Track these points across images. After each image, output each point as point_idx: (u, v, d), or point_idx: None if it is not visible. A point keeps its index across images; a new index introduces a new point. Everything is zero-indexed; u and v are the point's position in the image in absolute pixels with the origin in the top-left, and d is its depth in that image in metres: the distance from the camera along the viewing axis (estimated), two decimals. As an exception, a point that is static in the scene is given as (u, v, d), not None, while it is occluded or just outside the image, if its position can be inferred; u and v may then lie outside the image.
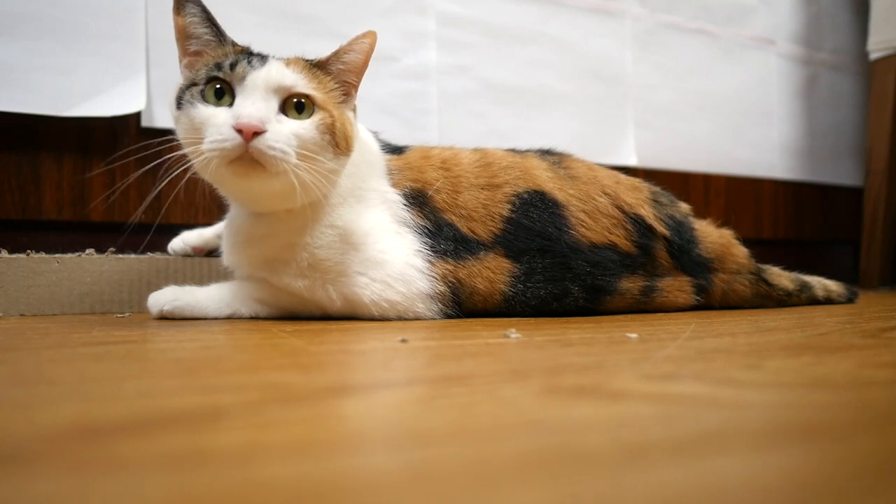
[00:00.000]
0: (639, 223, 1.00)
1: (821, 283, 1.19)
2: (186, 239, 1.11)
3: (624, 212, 0.99)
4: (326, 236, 0.88)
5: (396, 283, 0.88)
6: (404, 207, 0.92)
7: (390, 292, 0.88)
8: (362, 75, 0.90)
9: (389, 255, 0.89)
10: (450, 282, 0.90)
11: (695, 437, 0.33)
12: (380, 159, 0.95)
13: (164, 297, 0.88)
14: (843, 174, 2.06)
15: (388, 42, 1.38)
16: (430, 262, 0.90)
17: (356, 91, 0.91)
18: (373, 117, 1.35)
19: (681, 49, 1.74)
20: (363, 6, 1.36)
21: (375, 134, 1.00)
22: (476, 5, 1.48)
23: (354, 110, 0.91)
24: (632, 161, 1.64)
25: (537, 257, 0.94)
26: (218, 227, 1.10)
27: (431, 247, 0.91)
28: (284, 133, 0.79)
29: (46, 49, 1.09)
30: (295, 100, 0.82)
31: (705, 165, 1.78)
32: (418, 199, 0.93)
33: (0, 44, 1.06)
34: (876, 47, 1.86)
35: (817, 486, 0.27)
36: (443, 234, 0.92)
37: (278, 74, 0.81)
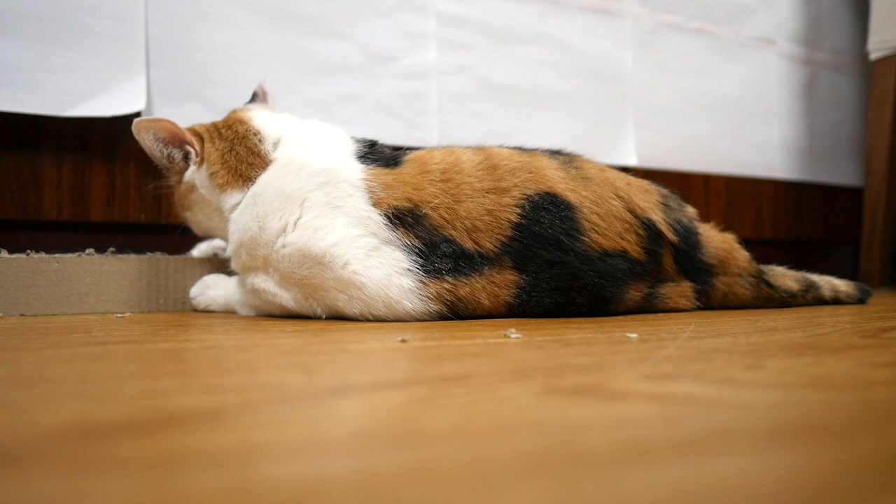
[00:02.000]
0: (650, 228, 0.96)
1: (829, 283, 1.15)
2: (215, 244, 1.15)
3: (636, 216, 0.96)
4: (282, 253, 0.89)
5: (376, 303, 0.86)
6: (386, 228, 0.87)
7: (373, 310, 0.87)
8: (171, 140, 0.98)
9: (363, 278, 0.85)
10: (447, 301, 0.87)
11: (695, 437, 0.33)
12: (347, 176, 0.90)
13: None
14: (843, 174, 2.06)
15: (389, 42, 1.38)
16: (422, 282, 0.86)
17: (191, 146, 0.98)
18: (373, 117, 1.36)
19: (681, 49, 1.74)
20: (363, 6, 1.36)
21: (366, 143, 0.97)
22: (476, 5, 1.48)
23: (201, 160, 0.98)
24: (632, 161, 1.64)
25: (545, 267, 0.89)
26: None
27: (422, 266, 0.86)
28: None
29: (46, 49, 1.09)
30: None
31: (705, 165, 1.78)
32: (406, 219, 0.87)
33: (0, 44, 1.06)
34: (876, 47, 1.86)
35: (818, 487, 0.27)
36: (438, 253, 0.87)
37: None
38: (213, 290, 1.04)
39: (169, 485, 0.26)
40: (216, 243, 1.15)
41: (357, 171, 0.90)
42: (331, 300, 0.88)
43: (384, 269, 0.86)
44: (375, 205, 0.88)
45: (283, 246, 0.88)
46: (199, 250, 1.16)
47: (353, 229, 0.87)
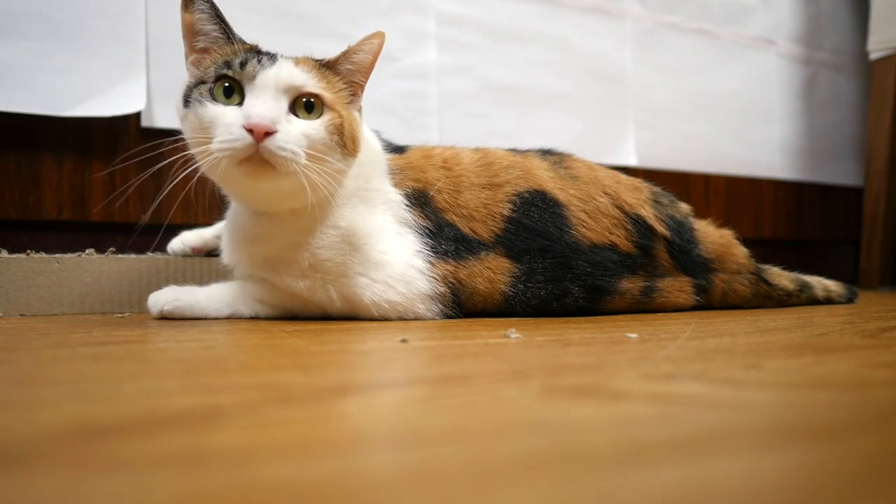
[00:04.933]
0: (639, 223, 1.00)
1: (821, 283, 1.19)
2: (186, 239, 1.11)
3: (624, 212, 0.99)
4: (329, 237, 0.88)
5: (397, 284, 0.88)
6: (406, 208, 0.92)
7: (391, 293, 0.88)
8: (369, 75, 0.90)
9: (390, 256, 0.88)
10: (450, 282, 0.90)
11: (695, 437, 0.33)
12: (382, 159, 0.95)
13: (165, 297, 0.87)
14: (843, 174, 2.06)
15: (388, 42, 1.36)
16: (430, 262, 0.90)
17: (362, 91, 0.91)
18: (373, 117, 1.35)
19: (681, 49, 1.74)
20: (363, 6, 1.36)
21: (377, 133, 1.00)
22: (476, 5, 1.48)
23: (360, 111, 0.91)
24: (632, 161, 1.64)
25: (538, 257, 0.93)
26: (217, 228, 1.10)
27: (432, 247, 0.90)
28: (294, 133, 0.79)
29: (46, 49, 1.09)
30: (304, 99, 0.82)
31: (705, 165, 1.78)
32: (420, 200, 0.93)
33: (0, 44, 1.06)
34: (876, 47, 1.86)
35: (818, 486, 0.27)
36: (444, 235, 0.91)
37: (288, 74, 0.81)
38: (197, 293, 0.90)
39: (169, 484, 0.26)
40: (190, 240, 1.12)
41: (384, 157, 0.95)
42: (349, 286, 0.87)
43: (405, 250, 0.89)
44: (396, 186, 0.93)
45: (332, 227, 0.88)
46: (173, 249, 1.12)
47: (385, 214, 0.91)
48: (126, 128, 1.16)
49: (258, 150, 0.77)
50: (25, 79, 1.08)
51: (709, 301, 1.06)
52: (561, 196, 0.97)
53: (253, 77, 0.80)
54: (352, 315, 0.89)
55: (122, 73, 1.14)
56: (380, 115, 1.36)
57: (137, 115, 1.16)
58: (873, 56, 1.87)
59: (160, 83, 1.17)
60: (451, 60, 1.45)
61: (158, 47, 1.16)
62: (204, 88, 0.81)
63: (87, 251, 1.07)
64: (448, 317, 0.91)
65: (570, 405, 0.40)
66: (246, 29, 1.26)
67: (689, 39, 1.75)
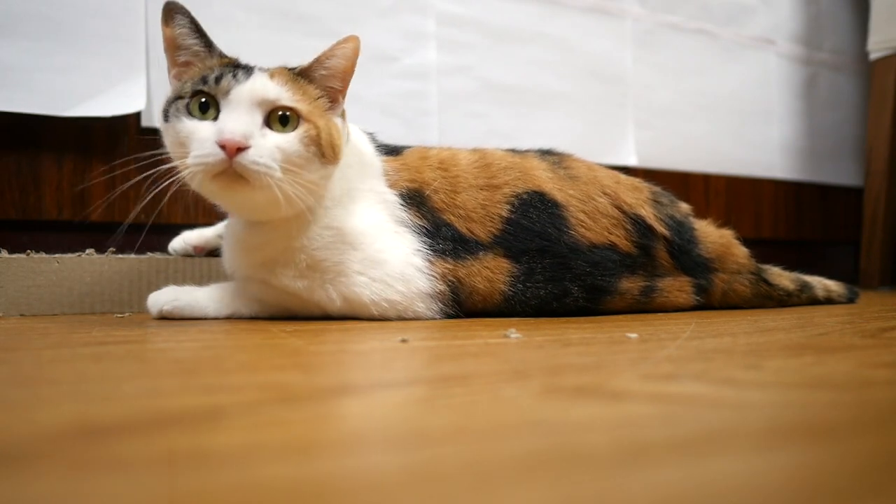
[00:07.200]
0: (639, 223, 1.00)
1: (821, 283, 1.19)
2: (187, 238, 1.11)
3: (624, 212, 0.99)
4: (323, 238, 0.88)
5: (396, 283, 0.88)
6: (402, 207, 0.92)
7: (390, 291, 0.88)
8: (349, 80, 0.89)
9: (388, 255, 0.88)
10: (449, 281, 0.90)
11: (695, 437, 0.33)
12: (375, 161, 0.95)
13: (164, 297, 0.88)
14: (843, 174, 2.06)
15: (388, 42, 1.38)
16: (429, 261, 0.90)
17: (343, 96, 0.90)
18: (373, 117, 1.35)
19: (681, 49, 1.74)
20: (363, 6, 1.36)
21: (372, 136, 1.00)
22: (476, 5, 1.48)
23: (343, 115, 0.91)
24: (632, 161, 1.64)
25: (537, 257, 0.93)
26: (219, 227, 1.10)
27: (430, 246, 0.90)
28: (268, 147, 0.79)
29: (46, 49, 1.09)
30: (279, 113, 0.82)
31: (705, 165, 1.78)
32: (416, 199, 0.93)
33: (0, 44, 1.06)
34: (876, 47, 1.86)
35: (818, 486, 0.27)
36: (441, 234, 0.92)
37: (262, 88, 0.81)
38: (196, 293, 0.91)
39: (169, 485, 0.26)
40: (191, 240, 1.12)
41: (378, 159, 0.95)
42: (348, 285, 0.87)
43: (403, 249, 0.89)
44: (391, 186, 0.93)
45: (325, 228, 0.88)
46: (174, 248, 1.12)
47: (381, 213, 0.91)
48: (126, 128, 1.16)
49: (231, 165, 0.77)
50: (25, 79, 1.08)
51: (709, 301, 1.06)
52: (560, 196, 0.97)
53: (227, 92, 0.80)
54: (351, 314, 0.89)
55: (122, 73, 1.14)
56: (379, 116, 1.36)
57: (137, 115, 1.16)
58: (873, 56, 1.87)
59: (160, 83, 1.16)
60: (451, 60, 1.45)
61: (158, 47, 1.15)
62: (181, 104, 0.82)
63: (87, 251, 1.07)
64: (448, 316, 0.91)
65: (570, 405, 0.40)
66: (246, 29, 1.26)
67: (689, 39, 1.75)
